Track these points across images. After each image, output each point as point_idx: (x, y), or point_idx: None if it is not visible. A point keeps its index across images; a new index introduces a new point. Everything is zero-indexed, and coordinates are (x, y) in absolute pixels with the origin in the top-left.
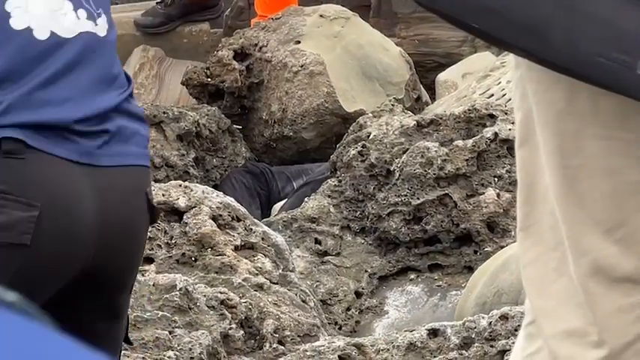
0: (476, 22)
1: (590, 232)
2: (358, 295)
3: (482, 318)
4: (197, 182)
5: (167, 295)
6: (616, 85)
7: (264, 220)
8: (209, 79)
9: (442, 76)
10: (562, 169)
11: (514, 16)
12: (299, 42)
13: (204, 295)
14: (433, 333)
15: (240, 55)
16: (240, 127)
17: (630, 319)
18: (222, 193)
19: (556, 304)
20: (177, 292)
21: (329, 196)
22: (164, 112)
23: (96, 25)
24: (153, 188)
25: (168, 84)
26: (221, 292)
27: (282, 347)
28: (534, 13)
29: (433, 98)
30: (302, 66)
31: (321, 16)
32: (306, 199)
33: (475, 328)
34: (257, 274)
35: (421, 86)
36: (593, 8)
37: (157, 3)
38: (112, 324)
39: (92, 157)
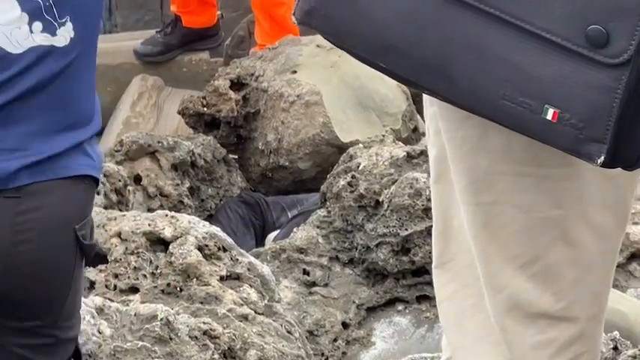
0: (382, 61)
1: (505, 268)
2: (345, 326)
3: None
4: (191, 212)
5: (148, 325)
6: (522, 127)
7: (254, 250)
8: (205, 109)
9: None
10: (475, 206)
11: (420, 56)
12: (295, 72)
13: (187, 326)
14: None
15: (237, 84)
16: (236, 156)
17: (546, 356)
18: (208, 223)
19: (473, 341)
20: (158, 322)
21: (318, 227)
22: (158, 142)
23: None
24: (138, 217)
25: (167, 113)
26: (204, 323)
27: None
28: (441, 53)
29: None
30: (298, 96)
31: (317, 46)
32: (295, 229)
33: None
34: (242, 305)
35: (418, 117)
36: (500, 51)
37: (156, 32)
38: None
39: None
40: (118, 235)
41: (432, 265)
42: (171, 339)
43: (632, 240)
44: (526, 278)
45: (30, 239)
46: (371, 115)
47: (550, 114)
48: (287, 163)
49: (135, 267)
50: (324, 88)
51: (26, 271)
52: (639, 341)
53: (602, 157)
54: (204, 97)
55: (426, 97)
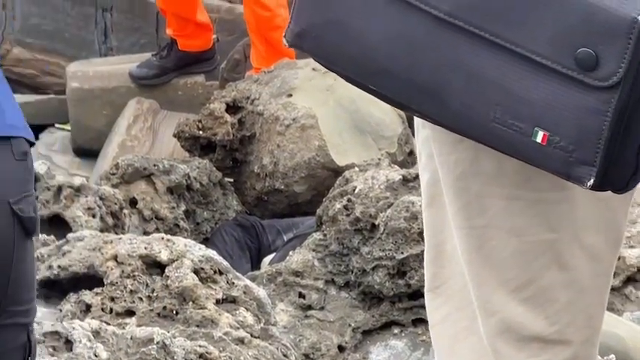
0: (373, 84)
1: (497, 291)
2: (341, 349)
3: None
4: (187, 235)
5: (144, 349)
6: (512, 150)
7: (250, 273)
8: (201, 132)
9: None
10: (468, 230)
11: (412, 79)
12: (291, 95)
13: (183, 349)
14: None
15: (233, 108)
16: (232, 180)
17: None
18: (204, 246)
19: None
20: (154, 346)
21: (314, 250)
22: (154, 165)
23: None
24: (134, 240)
25: (162, 136)
26: (200, 346)
27: None
28: (432, 76)
29: None
30: (294, 119)
31: (313, 69)
32: (291, 252)
33: None
34: (238, 328)
35: (414, 140)
36: (490, 74)
37: (152, 55)
38: None
39: None
40: (114, 258)
41: (425, 289)
42: None
43: (628, 264)
44: (519, 302)
45: None
46: (367, 138)
47: (540, 137)
48: (283, 187)
49: (131, 290)
50: (319, 111)
51: None
52: None
53: (592, 180)
54: (199, 121)
55: (417, 121)
